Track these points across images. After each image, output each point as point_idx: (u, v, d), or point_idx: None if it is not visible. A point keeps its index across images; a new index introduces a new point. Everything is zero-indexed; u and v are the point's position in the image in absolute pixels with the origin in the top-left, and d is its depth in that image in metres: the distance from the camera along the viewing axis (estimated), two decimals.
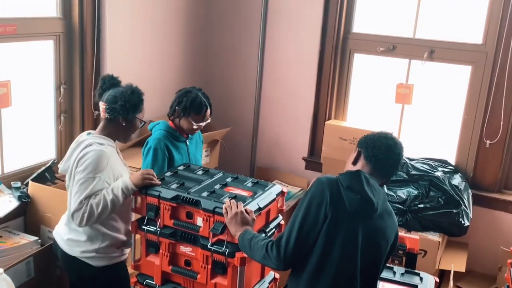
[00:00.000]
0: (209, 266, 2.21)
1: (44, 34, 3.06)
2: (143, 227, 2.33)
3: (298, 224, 1.85)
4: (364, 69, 3.91)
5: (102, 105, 2.37)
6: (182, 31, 4.00)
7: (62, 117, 3.26)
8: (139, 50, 3.59)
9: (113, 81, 2.43)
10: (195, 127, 2.73)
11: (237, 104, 4.32)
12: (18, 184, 2.91)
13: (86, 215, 2.21)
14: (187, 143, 2.82)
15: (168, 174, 2.47)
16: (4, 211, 2.71)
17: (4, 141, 2.95)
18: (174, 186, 2.32)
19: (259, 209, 2.21)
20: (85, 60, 3.26)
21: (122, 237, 2.41)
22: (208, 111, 2.77)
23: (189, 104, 2.70)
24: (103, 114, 2.37)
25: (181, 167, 2.58)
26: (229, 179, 2.45)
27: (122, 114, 2.34)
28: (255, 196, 2.27)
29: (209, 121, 2.81)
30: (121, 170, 2.37)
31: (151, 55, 3.72)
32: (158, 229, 2.29)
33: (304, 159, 4.10)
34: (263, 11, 4.03)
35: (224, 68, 4.30)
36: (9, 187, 2.90)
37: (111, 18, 3.28)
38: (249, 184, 2.42)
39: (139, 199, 2.34)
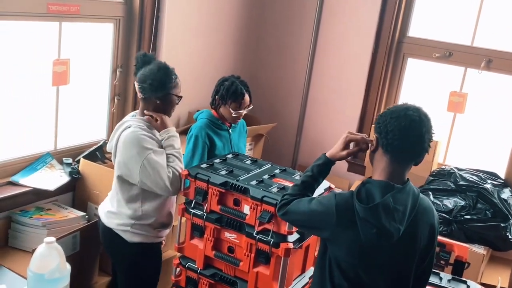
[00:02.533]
0: (253, 255, 2.22)
1: (105, 17, 3.13)
2: (190, 210, 2.35)
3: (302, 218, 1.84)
4: (417, 74, 3.84)
5: (136, 85, 2.41)
6: (236, 24, 4.03)
7: (115, 100, 3.33)
8: (193, 39, 3.64)
9: (145, 59, 2.42)
10: (234, 114, 2.75)
11: (284, 101, 4.32)
12: (70, 160, 2.99)
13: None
14: (230, 131, 2.84)
15: (217, 161, 2.49)
16: (55, 185, 2.79)
17: (59, 118, 3.03)
18: (223, 172, 2.34)
19: None
20: (142, 45, 3.31)
21: (161, 218, 2.43)
22: (246, 98, 2.77)
23: (225, 92, 2.75)
24: (138, 94, 2.41)
25: (230, 155, 2.60)
26: (277, 171, 2.46)
27: (153, 92, 2.35)
28: None
29: (250, 108, 2.83)
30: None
31: (204, 45, 3.76)
32: (205, 214, 2.31)
33: (347, 161, 4.06)
34: (318, 10, 4.01)
35: (274, 64, 4.31)
36: (61, 162, 2.98)
37: (170, 6, 3.33)
38: (297, 177, 2.41)
39: (188, 182, 2.36)
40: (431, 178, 3.44)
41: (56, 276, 1.97)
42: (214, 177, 2.29)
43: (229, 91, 2.73)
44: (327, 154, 1.91)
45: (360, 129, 3.99)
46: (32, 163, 2.87)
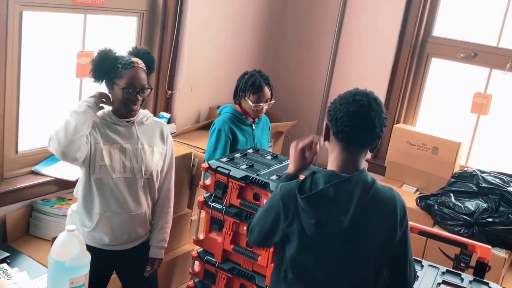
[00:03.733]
0: (271, 250, 2.21)
1: (129, 10, 3.15)
2: (210, 203, 2.35)
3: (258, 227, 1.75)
4: (441, 74, 3.79)
5: None
6: (259, 20, 4.03)
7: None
8: (216, 35, 3.64)
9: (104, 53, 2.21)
10: (253, 107, 2.76)
11: (305, 99, 4.30)
12: None
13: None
14: (253, 127, 2.85)
15: (237, 155, 2.49)
16: (76, 176, 2.80)
17: None
18: (244, 166, 2.34)
19: None
20: (165, 40, 3.33)
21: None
22: (265, 91, 2.78)
23: (245, 84, 2.78)
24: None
25: (250, 150, 2.60)
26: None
27: (96, 80, 2.20)
28: None
29: (271, 102, 2.83)
30: (110, 148, 2.23)
31: (227, 40, 3.76)
32: (224, 207, 2.31)
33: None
34: (341, 9, 3.99)
35: (296, 62, 4.29)
36: None
37: (193, 1, 3.34)
38: None
39: (208, 175, 2.36)
40: (453, 180, 3.39)
41: (76, 264, 1.98)
42: (235, 171, 2.29)
43: (247, 83, 2.77)
44: (287, 171, 1.85)
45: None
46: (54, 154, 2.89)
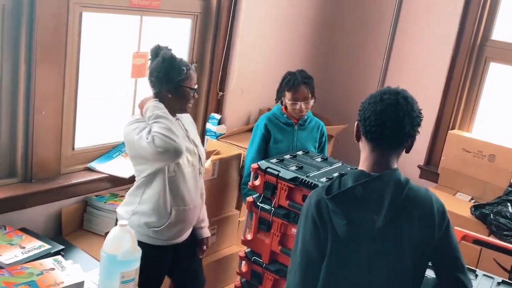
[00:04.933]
0: None
1: (184, 13, 3.21)
2: (258, 204, 2.36)
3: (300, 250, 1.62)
4: (499, 79, 3.66)
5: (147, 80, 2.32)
6: (311, 23, 4.01)
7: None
8: (268, 38, 3.65)
9: (157, 51, 2.28)
10: (291, 106, 2.76)
11: (356, 103, 4.18)
12: None
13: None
14: (296, 128, 2.84)
15: (287, 156, 2.49)
16: (129, 173, 2.87)
17: (137, 109, 3.12)
18: (293, 168, 2.33)
19: None
20: (217, 42, 3.36)
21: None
22: (301, 88, 2.76)
23: (281, 82, 2.82)
24: (151, 89, 2.31)
25: (300, 152, 2.59)
26: (348, 169, 2.41)
27: (161, 86, 2.23)
28: None
29: (310, 102, 2.79)
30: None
31: (279, 43, 3.77)
32: (273, 208, 2.31)
33: (419, 167, 3.93)
34: (395, 12, 3.93)
35: (348, 66, 4.25)
36: None
37: (247, 3, 3.36)
38: None
39: (257, 176, 2.37)
40: (510, 189, 3.26)
41: (128, 258, 2.02)
42: (284, 172, 2.28)
43: (284, 81, 2.79)
44: None
45: (435, 135, 3.85)
46: (108, 151, 2.98)
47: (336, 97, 4.22)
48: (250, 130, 3.56)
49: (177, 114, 2.34)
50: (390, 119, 1.55)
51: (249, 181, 2.44)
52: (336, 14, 4.18)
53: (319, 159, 2.51)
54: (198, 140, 2.42)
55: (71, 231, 2.69)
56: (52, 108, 2.54)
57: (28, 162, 2.52)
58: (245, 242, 2.46)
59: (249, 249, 2.46)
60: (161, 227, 2.26)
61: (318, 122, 2.99)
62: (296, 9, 3.82)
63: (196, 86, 2.31)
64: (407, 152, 1.65)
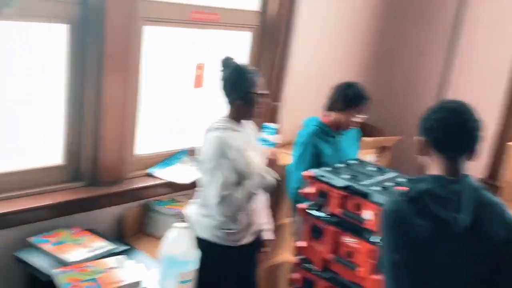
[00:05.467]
0: (372, 261, 2.19)
1: (243, 26, 3.31)
2: (310, 212, 2.39)
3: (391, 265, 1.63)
4: None
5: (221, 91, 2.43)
6: (368, 34, 4.03)
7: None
8: (324, 49, 3.70)
9: (227, 63, 2.41)
10: (348, 118, 2.75)
11: (414, 114, 4.15)
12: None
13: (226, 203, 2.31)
14: (339, 138, 2.83)
15: (340, 165, 2.51)
16: (188, 179, 2.99)
17: (196, 119, 3.25)
18: (346, 176, 2.35)
19: None
20: (275, 54, 3.44)
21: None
22: (366, 104, 2.75)
23: (338, 93, 2.78)
24: (224, 99, 2.43)
25: (352, 161, 2.60)
26: (402, 179, 2.41)
27: (233, 94, 2.36)
28: None
29: (365, 117, 2.79)
30: (251, 154, 2.40)
31: (334, 55, 3.80)
32: (325, 216, 2.34)
33: (481, 180, 3.83)
34: (455, 23, 3.87)
35: (405, 76, 4.22)
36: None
37: (304, 17, 3.43)
38: None
39: (310, 183, 2.41)
40: None
41: (185, 259, 2.13)
42: (336, 180, 2.31)
43: (347, 96, 2.75)
44: None
45: (497, 148, 3.75)
46: (168, 158, 3.11)
47: (391, 107, 4.20)
48: None
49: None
50: (455, 124, 1.61)
51: (299, 188, 2.49)
52: (392, 23, 4.16)
53: (373, 168, 2.52)
54: (261, 148, 2.53)
55: (133, 233, 2.83)
56: (118, 116, 2.70)
57: (94, 166, 2.68)
58: (297, 250, 2.50)
59: (301, 256, 2.50)
60: (233, 230, 2.39)
61: (358, 130, 2.97)
62: (352, 20, 3.86)
63: (263, 92, 2.41)
64: (472, 159, 1.67)
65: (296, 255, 2.52)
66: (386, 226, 1.65)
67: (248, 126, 2.52)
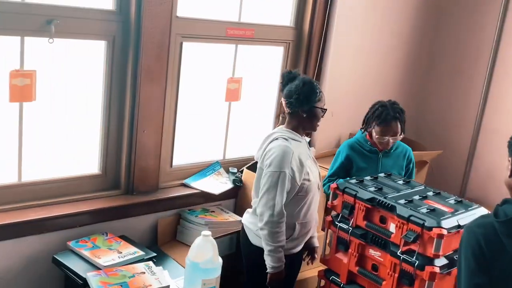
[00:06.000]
0: (396, 275, 2.18)
1: (277, 41, 3.39)
2: (336, 223, 2.41)
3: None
4: None
5: (283, 101, 2.52)
6: (406, 49, 4.01)
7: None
8: (359, 63, 3.71)
9: (290, 76, 2.52)
10: (378, 140, 2.75)
11: (453, 128, 4.13)
12: (235, 170, 3.27)
13: (267, 225, 2.38)
14: (380, 155, 2.81)
15: (368, 178, 2.51)
16: (220, 190, 3.07)
17: (230, 131, 3.33)
18: (372, 189, 2.35)
19: (458, 226, 2.10)
20: (308, 67, 3.49)
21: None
22: (392, 125, 2.72)
23: (372, 115, 2.79)
24: (285, 109, 2.52)
25: (382, 174, 2.60)
26: (430, 193, 2.39)
27: (299, 106, 2.44)
28: (456, 213, 2.17)
29: (400, 137, 2.75)
30: (310, 165, 2.48)
31: (370, 69, 3.80)
32: (350, 228, 2.35)
33: None
34: (497, 34, 3.80)
35: (445, 90, 4.16)
36: (227, 171, 3.27)
37: (337, 31, 3.46)
38: (452, 201, 2.32)
39: (336, 195, 2.43)
40: None
41: (209, 266, 2.18)
42: (362, 192, 2.32)
43: (374, 114, 2.76)
44: None
45: None
46: (203, 169, 3.20)
47: (430, 121, 4.15)
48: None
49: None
50: None
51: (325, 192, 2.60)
52: (433, 37, 4.13)
53: (401, 182, 2.51)
54: (315, 159, 2.64)
55: (166, 241, 2.92)
56: (153, 128, 2.81)
57: (130, 176, 2.81)
58: (323, 261, 2.51)
59: (328, 268, 2.51)
60: (286, 239, 2.44)
61: (405, 149, 2.92)
62: (390, 35, 3.85)
63: (326, 107, 2.52)
64: None
65: (324, 267, 2.54)
66: (470, 247, 1.59)
67: (304, 137, 2.61)
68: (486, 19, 3.87)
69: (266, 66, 3.47)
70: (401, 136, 2.77)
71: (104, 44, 2.63)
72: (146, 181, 2.86)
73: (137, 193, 2.83)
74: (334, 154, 3.58)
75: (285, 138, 2.46)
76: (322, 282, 2.54)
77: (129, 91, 2.71)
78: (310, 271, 2.94)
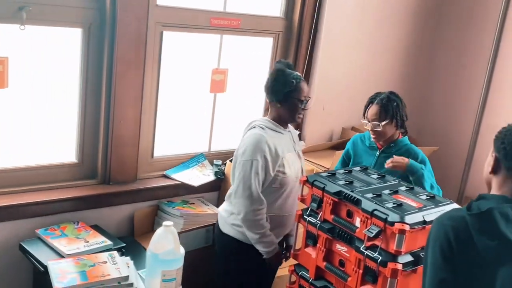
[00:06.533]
0: (360, 271, 2.09)
1: (265, 31, 3.32)
2: (305, 217, 2.34)
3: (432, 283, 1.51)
4: None
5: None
6: (404, 44, 3.88)
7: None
8: (352, 55, 3.61)
9: (275, 65, 2.52)
10: (364, 125, 2.67)
11: (452, 126, 4.00)
12: (219, 162, 3.22)
13: (248, 215, 2.37)
14: (377, 153, 2.71)
15: (341, 171, 2.43)
16: (200, 182, 3.03)
17: (216, 123, 3.28)
18: (341, 182, 2.27)
19: (424, 222, 2.01)
20: (298, 59, 3.42)
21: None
22: (372, 107, 2.62)
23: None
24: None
25: (357, 168, 2.51)
26: (402, 188, 2.29)
27: (273, 96, 2.41)
28: (423, 209, 2.07)
29: (379, 124, 2.58)
30: (290, 157, 2.44)
31: (366, 61, 3.70)
32: (318, 222, 2.27)
33: None
34: (498, 30, 3.66)
35: (445, 87, 4.03)
36: (212, 163, 3.23)
37: (328, 22, 3.38)
38: (423, 197, 2.21)
39: (306, 188, 2.36)
40: None
41: (169, 258, 2.15)
42: (330, 186, 2.24)
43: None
44: None
45: None
46: (186, 161, 3.16)
47: (428, 117, 4.04)
48: (332, 147, 3.54)
49: (289, 126, 2.54)
50: None
51: None
52: (434, 34, 4.00)
53: (375, 176, 2.41)
54: (301, 153, 2.59)
55: (143, 232, 2.90)
56: (131, 117, 2.79)
57: (107, 165, 2.79)
58: (294, 256, 2.44)
59: (298, 263, 2.44)
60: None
61: (414, 152, 2.67)
62: (387, 27, 3.74)
63: (305, 98, 2.44)
64: None
65: (294, 262, 2.47)
66: (438, 240, 1.51)
67: (291, 130, 2.56)
68: (487, 14, 3.73)
69: (255, 57, 3.41)
70: (384, 124, 2.60)
71: (80, 32, 2.62)
72: (124, 171, 2.84)
73: (113, 183, 2.82)
74: (326, 148, 3.56)
75: (261, 127, 2.42)
76: (293, 278, 2.47)
77: (105, 80, 2.69)
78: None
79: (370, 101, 2.66)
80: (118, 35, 2.62)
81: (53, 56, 2.62)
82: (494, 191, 1.58)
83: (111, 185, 2.81)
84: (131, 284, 2.16)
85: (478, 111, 3.83)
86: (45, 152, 2.72)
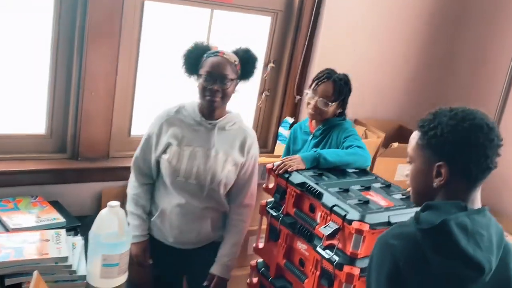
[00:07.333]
0: (317, 273, 1.88)
1: (261, 9, 3.09)
2: (268, 209, 2.12)
3: None
4: None
5: None
6: (420, 31, 3.58)
7: (263, 95, 3.26)
8: (357, 40, 3.32)
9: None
10: (308, 100, 2.41)
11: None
12: None
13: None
14: (309, 138, 2.45)
15: None
16: None
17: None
18: (309, 173, 2.05)
19: (388, 224, 1.76)
20: (298, 42, 3.18)
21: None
22: (327, 83, 2.38)
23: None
24: None
25: None
26: (377, 185, 2.05)
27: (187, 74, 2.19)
28: (391, 208, 1.83)
29: (328, 104, 2.34)
30: (191, 151, 2.15)
31: (370, 47, 3.40)
32: (281, 215, 2.06)
33: None
34: None
35: (465, 81, 3.72)
36: None
37: (332, 2, 3.12)
38: (397, 196, 1.96)
39: (271, 178, 2.14)
40: None
41: (112, 241, 1.97)
42: (295, 176, 2.02)
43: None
44: None
45: None
46: None
47: None
48: None
49: (225, 120, 2.21)
50: (492, 144, 1.41)
51: None
52: (456, 24, 3.68)
53: (351, 171, 2.17)
54: (233, 162, 2.14)
55: None
56: (103, 90, 2.62)
57: (76, 140, 2.64)
58: (256, 251, 2.23)
59: (261, 260, 2.23)
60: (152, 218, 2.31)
61: (339, 123, 2.41)
62: (400, 11, 3.44)
63: (206, 73, 2.11)
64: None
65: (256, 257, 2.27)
66: (383, 267, 1.27)
67: (234, 131, 2.20)
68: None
69: (250, 37, 3.18)
70: (333, 104, 2.35)
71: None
72: (94, 148, 2.69)
73: (82, 159, 2.66)
74: None
75: (178, 106, 2.26)
76: (254, 275, 2.26)
77: (77, 49, 2.53)
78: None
79: (326, 76, 2.38)
80: (91, 4, 2.45)
81: (24, 24, 2.48)
82: (441, 198, 1.32)
83: (79, 161, 2.66)
84: (70, 266, 1.99)
85: (498, 109, 3.52)
86: (14, 122, 2.60)
